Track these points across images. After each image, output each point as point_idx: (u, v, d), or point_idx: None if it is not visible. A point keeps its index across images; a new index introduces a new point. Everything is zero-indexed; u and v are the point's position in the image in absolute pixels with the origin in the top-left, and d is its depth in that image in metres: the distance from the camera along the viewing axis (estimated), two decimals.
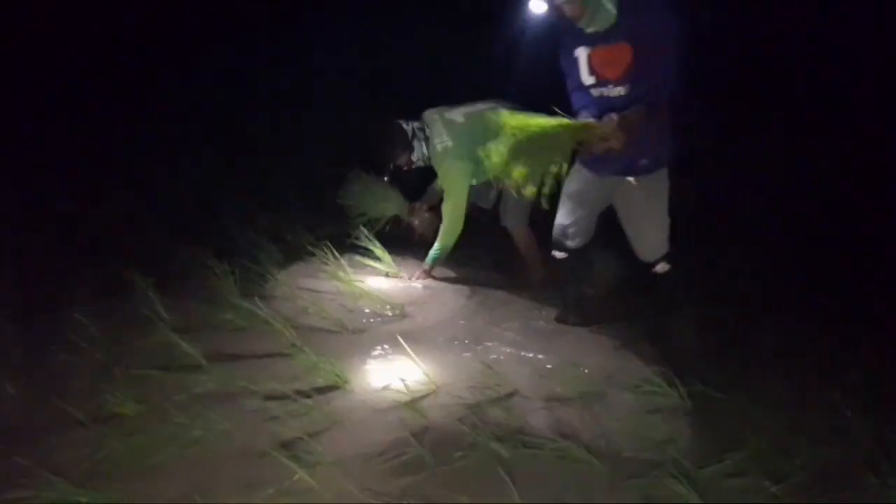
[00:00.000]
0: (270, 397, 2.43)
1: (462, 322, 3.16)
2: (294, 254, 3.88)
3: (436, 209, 3.76)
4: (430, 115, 3.62)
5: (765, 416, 2.38)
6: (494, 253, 4.16)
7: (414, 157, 3.67)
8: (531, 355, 2.83)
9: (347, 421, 2.34)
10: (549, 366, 2.75)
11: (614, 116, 2.48)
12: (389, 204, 3.95)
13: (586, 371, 2.69)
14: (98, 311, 2.96)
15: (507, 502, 1.95)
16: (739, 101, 4.98)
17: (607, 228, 3.04)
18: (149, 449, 2.12)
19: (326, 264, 3.63)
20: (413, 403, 2.43)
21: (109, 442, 2.15)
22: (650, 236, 2.83)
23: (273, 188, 4.83)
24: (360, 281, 3.47)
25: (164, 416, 2.28)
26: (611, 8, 2.45)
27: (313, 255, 3.73)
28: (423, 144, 3.62)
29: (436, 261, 3.66)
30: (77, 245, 3.70)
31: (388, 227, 3.95)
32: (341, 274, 3.50)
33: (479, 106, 3.53)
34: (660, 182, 2.73)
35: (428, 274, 3.68)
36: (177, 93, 5.67)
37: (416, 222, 3.97)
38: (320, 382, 2.54)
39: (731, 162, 4.65)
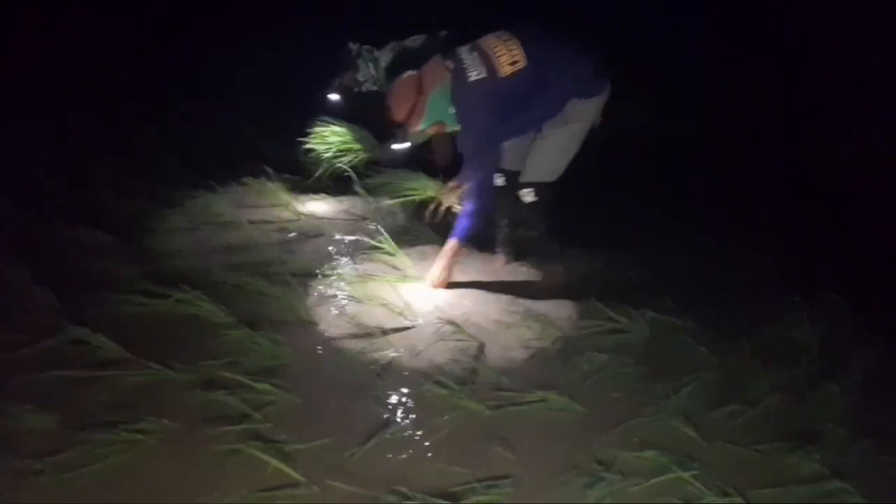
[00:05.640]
0: (213, 385, 2.11)
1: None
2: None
3: None
4: None
5: (724, 341, 2.45)
6: None
7: (360, 77, 3.67)
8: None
9: (308, 404, 2.08)
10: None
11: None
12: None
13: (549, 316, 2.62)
14: None
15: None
16: None
17: None
18: (73, 468, 1.75)
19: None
20: (378, 371, 2.24)
21: (27, 465, 1.75)
22: (538, 153, 2.76)
23: None
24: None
25: (88, 423, 1.90)
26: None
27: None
28: (372, 66, 3.59)
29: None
30: None
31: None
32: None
33: None
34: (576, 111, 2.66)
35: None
36: None
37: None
38: (265, 362, 2.25)
39: None
